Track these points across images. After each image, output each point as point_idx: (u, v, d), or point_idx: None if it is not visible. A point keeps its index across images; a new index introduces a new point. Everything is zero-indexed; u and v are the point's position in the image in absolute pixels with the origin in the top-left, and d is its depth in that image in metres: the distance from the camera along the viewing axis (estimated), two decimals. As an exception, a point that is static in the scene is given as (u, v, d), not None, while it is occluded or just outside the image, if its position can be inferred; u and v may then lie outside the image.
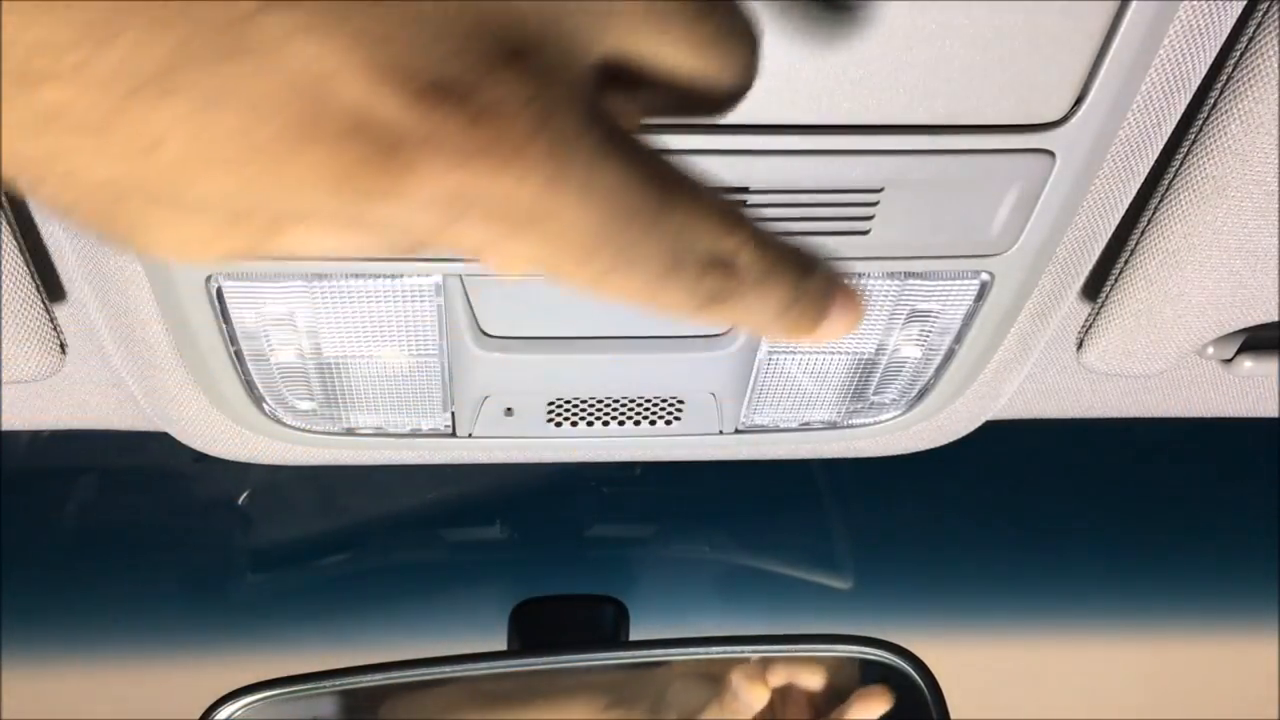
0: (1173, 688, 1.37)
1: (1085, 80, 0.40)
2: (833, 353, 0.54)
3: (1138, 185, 0.49)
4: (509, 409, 0.55)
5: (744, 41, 0.22)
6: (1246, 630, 1.36)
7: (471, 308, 0.49)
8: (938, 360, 0.55)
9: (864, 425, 0.61)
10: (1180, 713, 1.35)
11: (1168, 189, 0.49)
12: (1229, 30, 0.42)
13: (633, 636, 0.80)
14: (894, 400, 0.59)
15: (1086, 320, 0.58)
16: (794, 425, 0.60)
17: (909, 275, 0.49)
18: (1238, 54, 0.44)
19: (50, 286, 0.51)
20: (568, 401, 0.55)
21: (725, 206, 0.21)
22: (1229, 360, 0.60)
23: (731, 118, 0.39)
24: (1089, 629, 1.37)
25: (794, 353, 0.54)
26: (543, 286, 0.48)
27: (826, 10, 0.37)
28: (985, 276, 0.49)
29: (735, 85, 0.23)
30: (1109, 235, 0.52)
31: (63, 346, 0.53)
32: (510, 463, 0.64)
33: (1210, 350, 0.59)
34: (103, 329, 0.52)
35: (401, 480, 1.29)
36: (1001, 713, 1.30)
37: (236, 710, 0.72)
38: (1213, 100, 0.46)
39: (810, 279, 0.22)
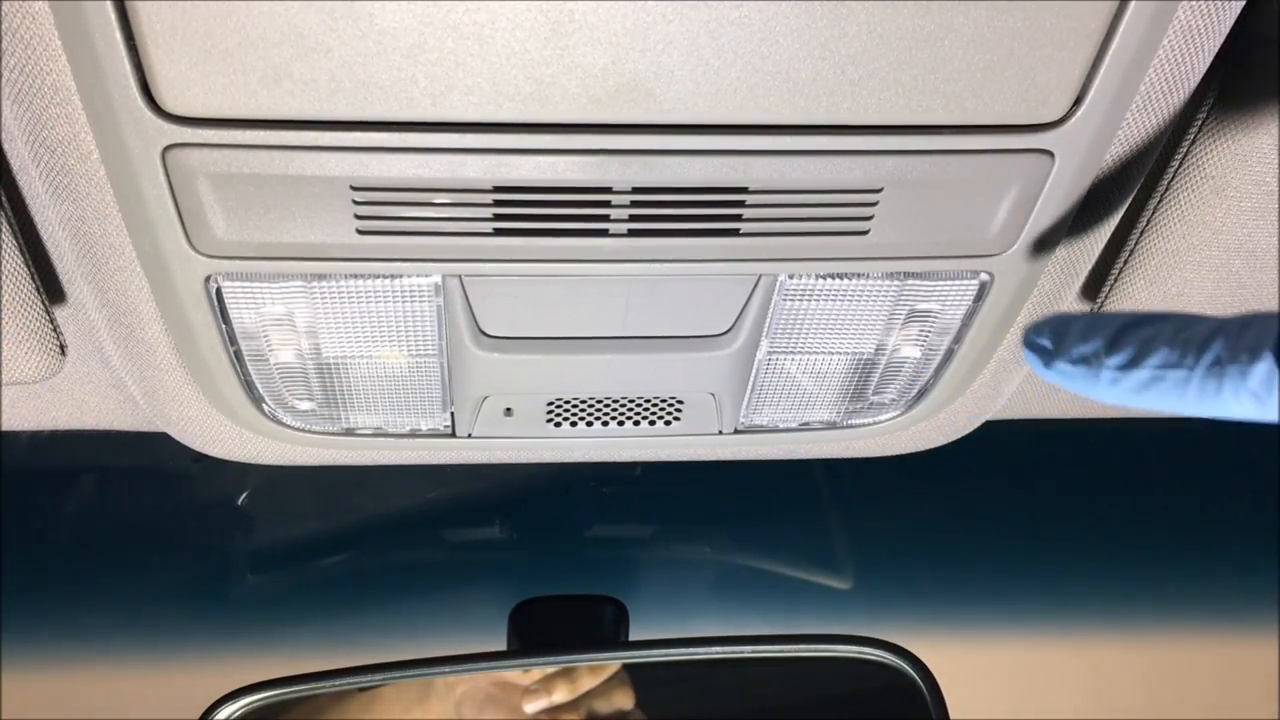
0: (1173, 688, 1.38)
1: (1084, 80, 0.40)
2: (832, 353, 0.54)
3: (1137, 185, 0.49)
4: (508, 409, 0.55)
5: None
6: (1246, 630, 1.36)
7: (471, 308, 0.49)
8: (937, 360, 0.56)
9: (863, 425, 0.61)
10: (1180, 713, 1.35)
11: (1167, 189, 0.49)
12: (1228, 30, 0.42)
13: (633, 636, 0.81)
14: (894, 400, 0.59)
15: None
16: (793, 425, 0.60)
17: (909, 275, 0.49)
18: (1237, 54, 0.44)
19: (50, 288, 0.51)
20: (567, 402, 0.56)
21: None
22: (1228, 360, 0.60)
23: (732, 118, 0.40)
24: (1089, 629, 1.37)
25: (793, 353, 0.54)
26: (542, 287, 0.48)
27: (827, 10, 0.37)
28: (985, 276, 0.49)
29: None
30: (1108, 235, 0.52)
31: (62, 348, 0.53)
32: (510, 463, 0.64)
33: None
34: (102, 330, 0.52)
35: (401, 480, 1.29)
36: (1001, 713, 1.30)
37: (236, 710, 0.72)
38: (1212, 100, 0.46)
39: None
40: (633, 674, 0.81)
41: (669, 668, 0.80)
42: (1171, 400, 0.32)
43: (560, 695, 0.79)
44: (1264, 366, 0.29)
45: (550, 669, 0.79)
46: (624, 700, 0.80)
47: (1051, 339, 0.34)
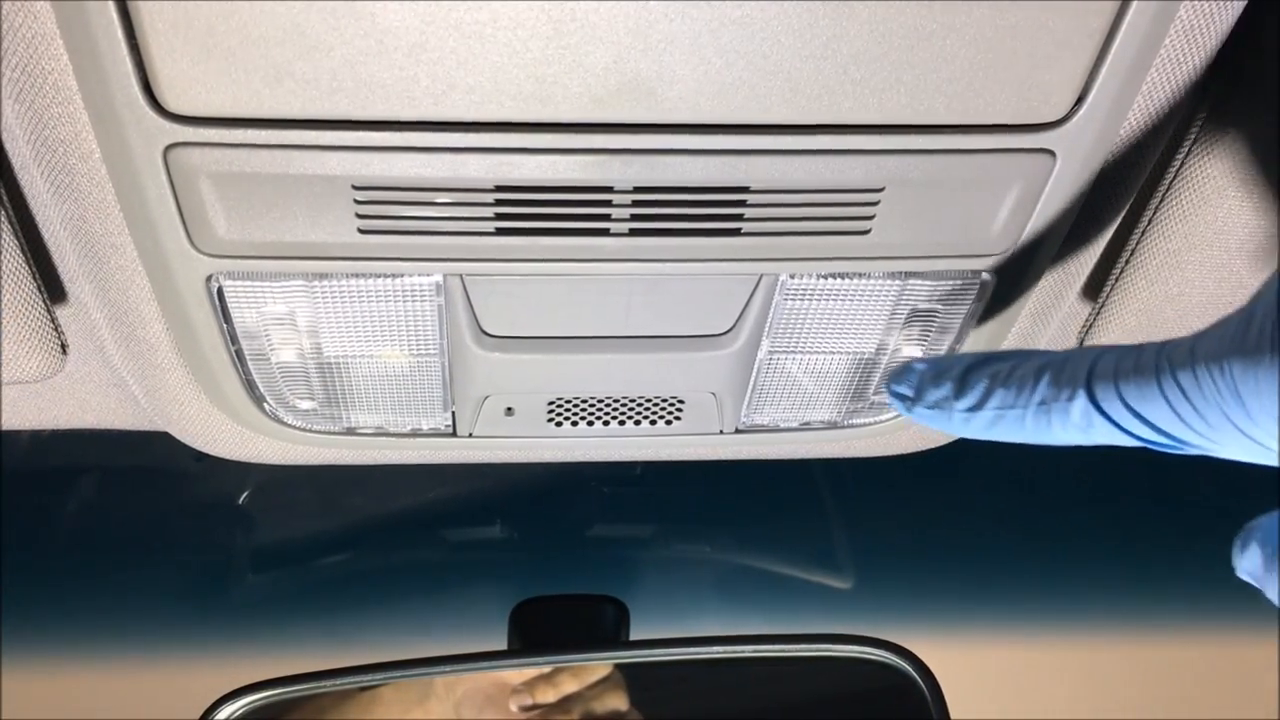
0: (1173, 688, 1.38)
1: (1085, 80, 0.40)
2: (833, 353, 0.54)
3: (1138, 185, 0.49)
4: (509, 409, 0.55)
5: None
6: (1246, 630, 1.36)
7: (472, 307, 0.49)
8: None
9: (864, 425, 0.61)
10: (1180, 713, 1.35)
11: (1168, 189, 0.49)
12: (1229, 30, 0.42)
13: (633, 636, 0.81)
14: (894, 400, 0.59)
15: (1087, 320, 0.58)
16: (794, 425, 0.60)
17: (909, 275, 0.49)
18: (1238, 54, 0.44)
19: (51, 287, 0.51)
20: (568, 401, 0.56)
21: None
22: (1229, 360, 0.60)
23: (734, 117, 0.40)
24: (1089, 629, 1.37)
25: (794, 353, 0.54)
26: (543, 286, 0.48)
27: (829, 10, 0.37)
28: (985, 276, 0.49)
29: None
30: (1109, 235, 0.52)
31: (64, 347, 0.53)
32: (510, 463, 0.64)
33: None
34: (103, 329, 0.52)
35: (401, 480, 1.29)
36: (1001, 713, 1.30)
37: (236, 710, 0.72)
38: (1212, 100, 0.46)
39: None
40: (630, 674, 0.81)
41: (668, 668, 0.80)
42: (1016, 435, 0.35)
43: (543, 697, 0.80)
44: (1079, 404, 0.33)
45: (537, 671, 0.80)
46: (618, 701, 0.80)
47: (909, 386, 0.38)
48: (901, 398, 0.39)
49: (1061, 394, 0.33)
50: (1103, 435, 0.33)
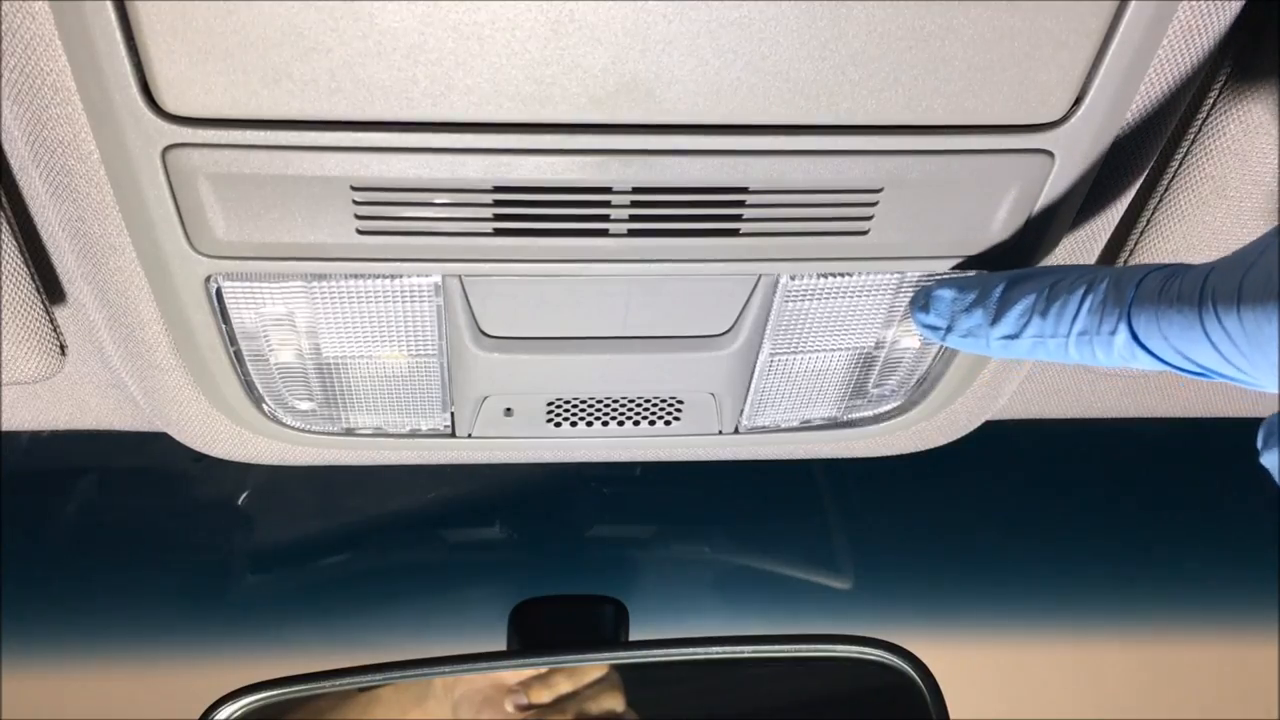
0: (1173, 688, 1.38)
1: (1084, 81, 0.40)
2: (832, 350, 0.54)
3: (1137, 186, 0.49)
4: (508, 409, 0.55)
5: None
6: (1246, 630, 1.36)
7: (471, 308, 0.49)
8: (935, 350, 0.56)
9: (864, 425, 0.61)
10: (1180, 713, 1.35)
11: (1167, 190, 0.49)
12: (1228, 30, 0.42)
13: (632, 637, 0.81)
14: (894, 391, 0.59)
15: None
16: (794, 425, 0.60)
17: (907, 275, 0.49)
18: (1236, 54, 0.44)
19: (50, 288, 0.51)
20: (567, 402, 0.56)
21: None
22: (1228, 360, 0.60)
23: (732, 118, 0.40)
24: (1089, 629, 1.37)
25: (793, 353, 0.54)
26: (542, 287, 0.48)
27: (827, 10, 0.37)
28: (985, 277, 0.49)
29: None
30: (1108, 236, 0.52)
31: (62, 348, 0.53)
32: (510, 463, 0.64)
33: None
34: (102, 330, 0.52)
35: (401, 480, 1.29)
36: (1001, 713, 1.30)
37: (236, 710, 0.72)
38: (1211, 100, 0.46)
39: None
40: (628, 675, 0.81)
41: (666, 668, 0.80)
42: (1057, 359, 0.36)
43: (538, 697, 0.80)
44: (1122, 338, 0.34)
45: (534, 671, 0.80)
46: (614, 702, 0.80)
47: (939, 315, 0.39)
48: (933, 329, 0.39)
49: (1103, 326, 0.34)
50: (1145, 364, 0.34)
